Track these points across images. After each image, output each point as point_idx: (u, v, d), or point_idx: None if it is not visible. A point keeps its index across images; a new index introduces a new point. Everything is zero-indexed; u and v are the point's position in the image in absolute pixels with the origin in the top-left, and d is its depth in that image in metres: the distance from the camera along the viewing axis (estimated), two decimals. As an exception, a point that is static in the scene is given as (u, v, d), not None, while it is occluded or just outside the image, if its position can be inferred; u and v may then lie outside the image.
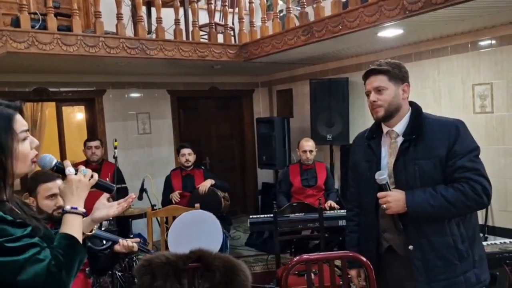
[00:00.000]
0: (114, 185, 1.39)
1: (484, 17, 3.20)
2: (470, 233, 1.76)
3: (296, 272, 3.05)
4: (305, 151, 4.23)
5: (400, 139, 1.83)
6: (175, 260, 1.64)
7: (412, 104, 1.89)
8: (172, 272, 1.61)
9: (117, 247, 2.16)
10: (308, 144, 4.26)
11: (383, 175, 1.76)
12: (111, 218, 3.17)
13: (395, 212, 1.73)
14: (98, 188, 1.34)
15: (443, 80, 3.99)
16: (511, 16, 3.22)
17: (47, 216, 1.97)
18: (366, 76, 1.88)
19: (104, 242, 2.24)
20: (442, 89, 4.01)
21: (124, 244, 2.11)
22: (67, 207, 1.20)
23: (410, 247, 1.75)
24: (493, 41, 3.57)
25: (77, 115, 5.97)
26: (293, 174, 4.31)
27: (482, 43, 3.65)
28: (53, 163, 1.27)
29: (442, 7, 2.73)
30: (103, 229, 3.10)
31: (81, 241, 1.18)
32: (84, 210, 1.23)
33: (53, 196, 2.14)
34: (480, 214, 3.67)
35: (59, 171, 1.27)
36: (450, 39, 3.87)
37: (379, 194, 1.76)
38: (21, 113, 1.21)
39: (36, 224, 1.15)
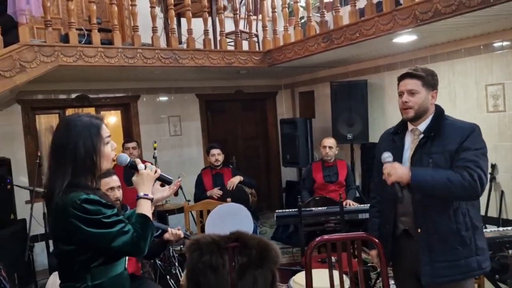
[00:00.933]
0: (172, 178, 1.72)
1: (492, 23, 3.39)
2: (477, 223, 1.97)
3: (319, 260, 3.36)
4: (325, 147, 4.52)
5: (421, 136, 2.05)
6: (219, 240, 1.98)
7: (436, 107, 2.09)
8: (216, 249, 1.96)
9: (166, 235, 2.51)
10: (329, 141, 4.55)
11: (387, 154, 1.98)
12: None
13: (398, 178, 1.89)
14: (160, 180, 1.68)
15: (458, 81, 4.17)
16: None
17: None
18: (401, 78, 2.04)
19: None
20: (457, 89, 4.19)
21: (173, 232, 2.47)
22: (141, 194, 1.55)
23: (419, 230, 1.98)
24: (505, 43, 3.75)
25: (112, 119, 6.40)
26: (315, 171, 4.57)
27: (494, 46, 3.83)
28: (128, 160, 1.63)
29: (451, 17, 2.95)
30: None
31: (151, 219, 1.53)
32: (152, 196, 1.58)
33: (111, 189, 2.51)
34: (495, 208, 3.87)
35: (132, 167, 1.62)
36: (464, 42, 4.05)
37: (385, 166, 1.94)
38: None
39: (117, 207, 1.51)
